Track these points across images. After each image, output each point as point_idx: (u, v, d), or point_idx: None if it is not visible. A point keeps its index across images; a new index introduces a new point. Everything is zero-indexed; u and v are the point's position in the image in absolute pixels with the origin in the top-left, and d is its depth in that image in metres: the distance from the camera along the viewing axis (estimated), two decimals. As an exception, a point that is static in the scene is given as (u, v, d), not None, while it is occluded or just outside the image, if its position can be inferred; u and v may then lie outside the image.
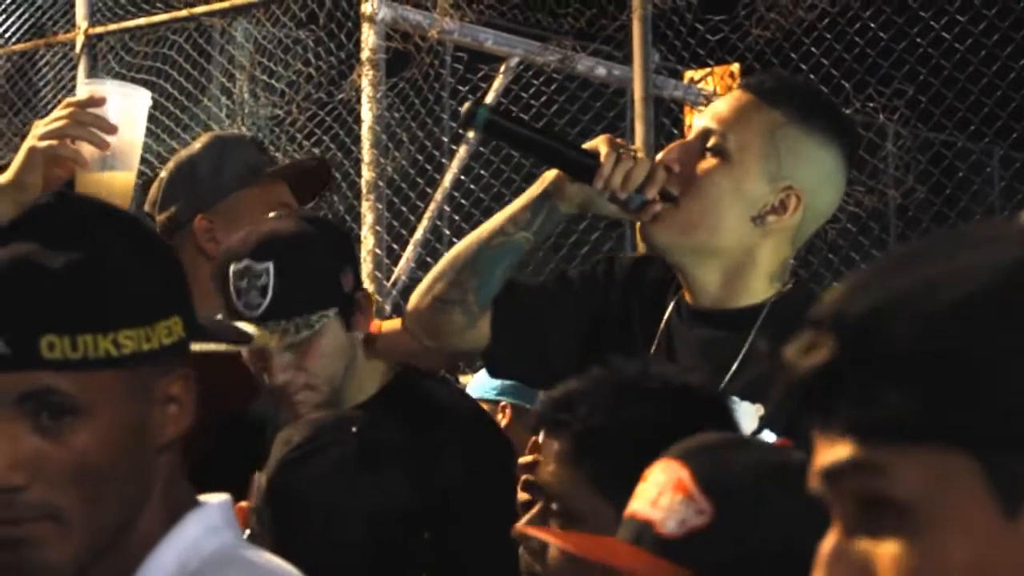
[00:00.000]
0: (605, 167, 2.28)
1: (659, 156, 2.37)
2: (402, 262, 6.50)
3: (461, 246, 2.46)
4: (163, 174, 3.04)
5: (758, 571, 1.38)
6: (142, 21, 7.39)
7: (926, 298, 0.90)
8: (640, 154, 2.35)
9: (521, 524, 1.78)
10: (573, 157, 2.34)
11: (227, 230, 2.80)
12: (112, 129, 2.49)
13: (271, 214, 2.68)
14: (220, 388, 2.61)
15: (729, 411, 1.84)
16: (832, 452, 0.92)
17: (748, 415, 2.20)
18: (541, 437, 1.79)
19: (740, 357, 2.27)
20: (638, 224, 2.36)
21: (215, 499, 1.54)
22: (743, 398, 2.22)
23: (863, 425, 0.90)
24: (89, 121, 2.48)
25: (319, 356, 2.53)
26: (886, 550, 0.90)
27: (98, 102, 2.50)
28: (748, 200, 2.30)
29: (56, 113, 2.51)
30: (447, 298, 2.42)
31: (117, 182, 2.54)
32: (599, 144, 2.33)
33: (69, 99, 2.54)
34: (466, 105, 2.34)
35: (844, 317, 0.92)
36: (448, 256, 2.48)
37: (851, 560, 0.92)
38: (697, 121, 2.39)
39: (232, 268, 2.56)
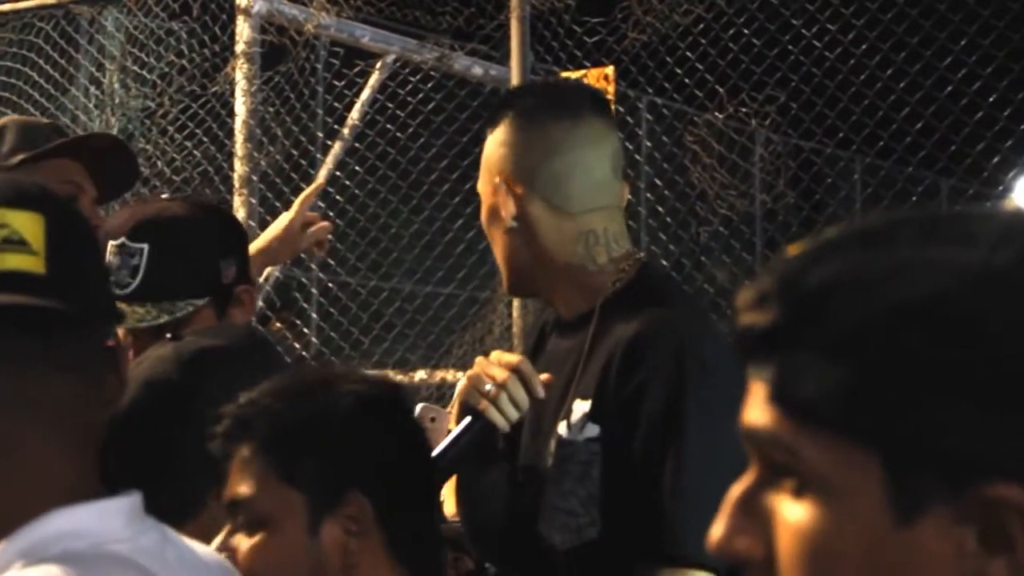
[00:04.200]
0: (495, 416, 2.20)
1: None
2: (274, 257, 6.43)
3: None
4: None
5: None
6: (6, 7, 7.22)
7: (878, 288, 0.87)
8: (498, 370, 2.22)
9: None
10: (467, 439, 2.20)
11: None
12: None
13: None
14: None
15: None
16: (755, 411, 0.91)
17: (580, 411, 2.21)
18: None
19: (582, 360, 2.24)
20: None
21: (119, 497, 1.44)
22: (583, 398, 2.21)
23: (785, 398, 0.89)
24: None
25: None
26: (788, 511, 0.90)
27: None
28: (491, 217, 2.32)
29: None
30: None
31: None
32: (460, 399, 2.25)
33: None
34: None
35: (793, 286, 0.90)
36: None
37: (755, 510, 0.92)
38: None
39: (110, 245, 2.55)
